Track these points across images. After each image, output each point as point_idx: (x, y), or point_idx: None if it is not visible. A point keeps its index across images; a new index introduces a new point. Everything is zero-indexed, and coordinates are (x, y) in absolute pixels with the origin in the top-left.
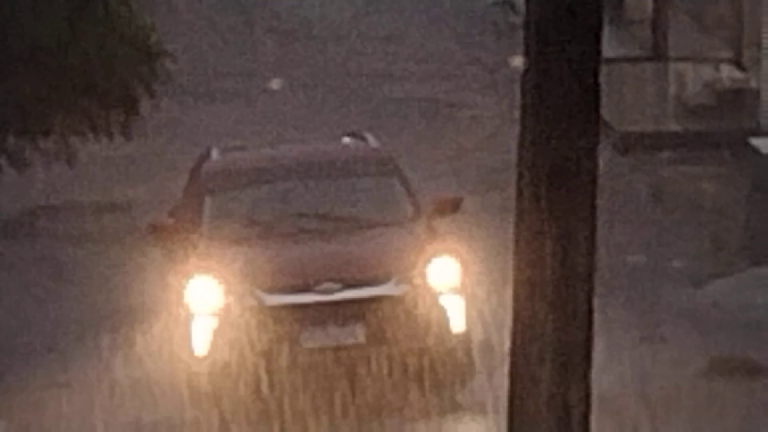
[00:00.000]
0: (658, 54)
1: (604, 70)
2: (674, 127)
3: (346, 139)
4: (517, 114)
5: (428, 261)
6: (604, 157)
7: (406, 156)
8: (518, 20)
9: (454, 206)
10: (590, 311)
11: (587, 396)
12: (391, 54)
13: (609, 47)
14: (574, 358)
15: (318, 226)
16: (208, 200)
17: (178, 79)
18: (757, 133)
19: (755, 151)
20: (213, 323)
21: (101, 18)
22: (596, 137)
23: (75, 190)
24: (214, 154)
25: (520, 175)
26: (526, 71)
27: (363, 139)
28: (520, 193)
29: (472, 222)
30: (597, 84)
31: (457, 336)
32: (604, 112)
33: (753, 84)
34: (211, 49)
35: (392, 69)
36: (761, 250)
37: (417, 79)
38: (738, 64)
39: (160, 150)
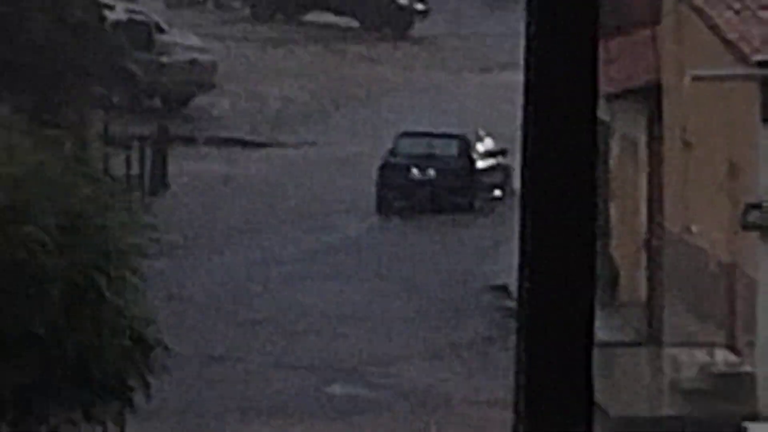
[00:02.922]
0: (652, 338)
1: (597, 354)
2: (669, 411)
3: None
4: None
5: None
6: None
7: None
8: (514, 305)
9: None
10: None
11: None
12: (381, 341)
13: (603, 331)
14: None
15: None
16: None
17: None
18: (754, 418)
19: None
20: None
21: (96, 308)
22: (590, 423)
23: None
24: None
25: None
26: (518, 353)
27: None
28: None
29: None
30: (590, 367)
31: None
32: (598, 397)
33: (748, 368)
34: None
35: (380, 355)
36: None
37: (409, 365)
38: (732, 348)
39: None
